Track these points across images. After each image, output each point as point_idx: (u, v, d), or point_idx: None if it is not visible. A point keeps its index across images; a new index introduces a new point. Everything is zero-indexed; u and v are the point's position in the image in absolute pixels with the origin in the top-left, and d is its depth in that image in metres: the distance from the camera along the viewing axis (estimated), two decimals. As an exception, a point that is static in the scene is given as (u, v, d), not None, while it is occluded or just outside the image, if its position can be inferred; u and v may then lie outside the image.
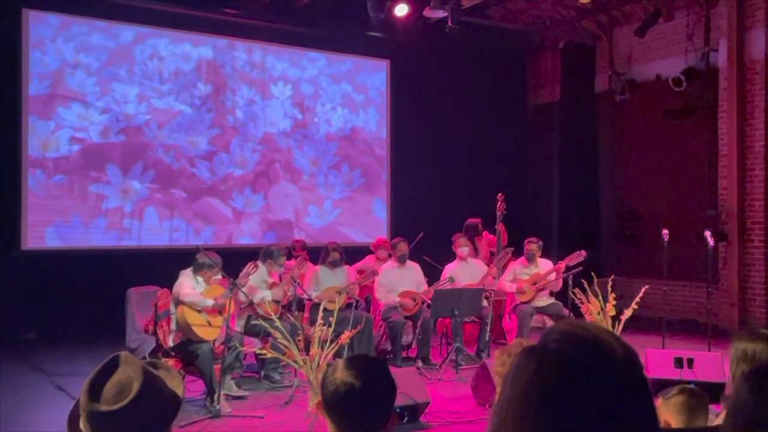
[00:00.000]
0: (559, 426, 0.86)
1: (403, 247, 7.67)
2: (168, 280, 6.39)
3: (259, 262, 6.74)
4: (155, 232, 9.48)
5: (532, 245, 7.76)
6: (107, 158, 9.20)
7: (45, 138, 8.81)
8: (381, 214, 11.22)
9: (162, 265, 6.98)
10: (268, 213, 10.32)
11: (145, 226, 9.40)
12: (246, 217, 10.13)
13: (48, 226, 8.81)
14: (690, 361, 5.87)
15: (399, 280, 7.58)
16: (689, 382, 4.66)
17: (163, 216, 9.53)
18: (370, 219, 11.12)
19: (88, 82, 9.10)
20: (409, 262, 7.71)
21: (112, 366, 1.48)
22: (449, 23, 9.26)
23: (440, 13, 9.39)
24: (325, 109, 10.80)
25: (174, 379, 1.55)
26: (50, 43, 8.86)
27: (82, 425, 1.48)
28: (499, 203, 8.81)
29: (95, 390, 1.45)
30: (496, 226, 8.86)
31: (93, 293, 8.09)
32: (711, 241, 7.68)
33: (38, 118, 8.79)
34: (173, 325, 5.92)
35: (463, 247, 7.89)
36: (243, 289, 6.22)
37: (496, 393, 5.41)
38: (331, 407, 1.70)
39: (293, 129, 10.53)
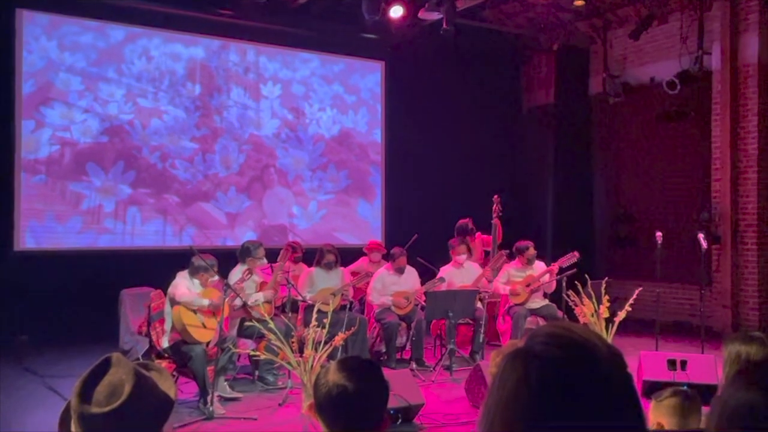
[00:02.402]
0: (546, 428, 0.87)
1: (402, 260, 7.61)
2: (160, 281, 6.38)
3: (240, 264, 6.72)
4: (147, 234, 9.43)
5: (532, 250, 7.77)
6: (94, 159, 9.10)
7: (28, 138, 8.75)
8: (375, 216, 11.20)
9: (154, 267, 6.98)
10: (261, 218, 10.26)
11: (137, 228, 9.35)
12: (239, 221, 10.08)
13: (35, 227, 8.75)
14: (683, 363, 5.88)
15: (394, 287, 7.56)
16: (682, 384, 4.68)
17: (155, 218, 9.47)
18: (363, 221, 11.09)
19: (74, 81, 9.00)
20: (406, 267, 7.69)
21: (103, 368, 1.48)
22: (444, 25, 9.27)
23: (435, 15, 9.41)
24: (316, 111, 10.73)
25: (166, 381, 1.55)
26: (36, 42, 8.79)
27: (73, 427, 1.47)
28: (495, 205, 8.80)
29: (86, 392, 1.44)
30: (492, 221, 8.82)
31: (85, 295, 8.05)
32: (704, 244, 7.70)
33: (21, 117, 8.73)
34: (167, 326, 5.91)
35: (462, 255, 7.87)
36: (239, 294, 6.21)
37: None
38: (324, 409, 1.70)
39: (284, 131, 10.47)
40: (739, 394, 1.48)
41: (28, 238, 8.72)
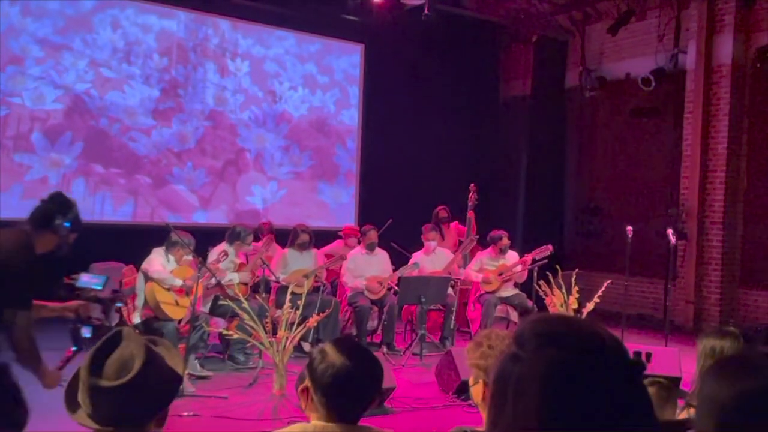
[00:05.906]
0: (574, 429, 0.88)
1: (372, 235, 7.66)
2: (130, 257, 6.31)
3: (225, 244, 6.68)
4: (114, 209, 9.26)
5: (506, 240, 7.84)
6: (60, 132, 8.85)
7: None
8: (344, 200, 11.14)
9: (125, 242, 6.89)
10: (233, 201, 10.12)
11: (106, 202, 9.18)
12: (211, 201, 9.95)
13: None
14: (648, 356, 6.00)
15: (366, 267, 7.59)
16: (647, 376, 4.79)
17: (107, 192, 9.20)
18: (331, 205, 11.02)
19: (35, 48, 8.68)
20: (377, 249, 7.72)
21: (114, 341, 1.47)
22: (425, 11, 9.26)
23: (417, 0, 9.39)
24: (286, 89, 10.54)
25: (174, 357, 1.55)
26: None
27: (80, 399, 1.46)
28: (471, 194, 8.84)
29: (97, 365, 1.43)
30: (467, 214, 8.89)
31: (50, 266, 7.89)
32: (673, 239, 7.86)
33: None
34: (139, 302, 5.85)
35: (431, 241, 7.93)
36: (214, 274, 6.17)
37: (460, 380, 5.47)
38: (326, 391, 1.71)
39: (253, 109, 10.26)
40: (711, 388, 1.52)
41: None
